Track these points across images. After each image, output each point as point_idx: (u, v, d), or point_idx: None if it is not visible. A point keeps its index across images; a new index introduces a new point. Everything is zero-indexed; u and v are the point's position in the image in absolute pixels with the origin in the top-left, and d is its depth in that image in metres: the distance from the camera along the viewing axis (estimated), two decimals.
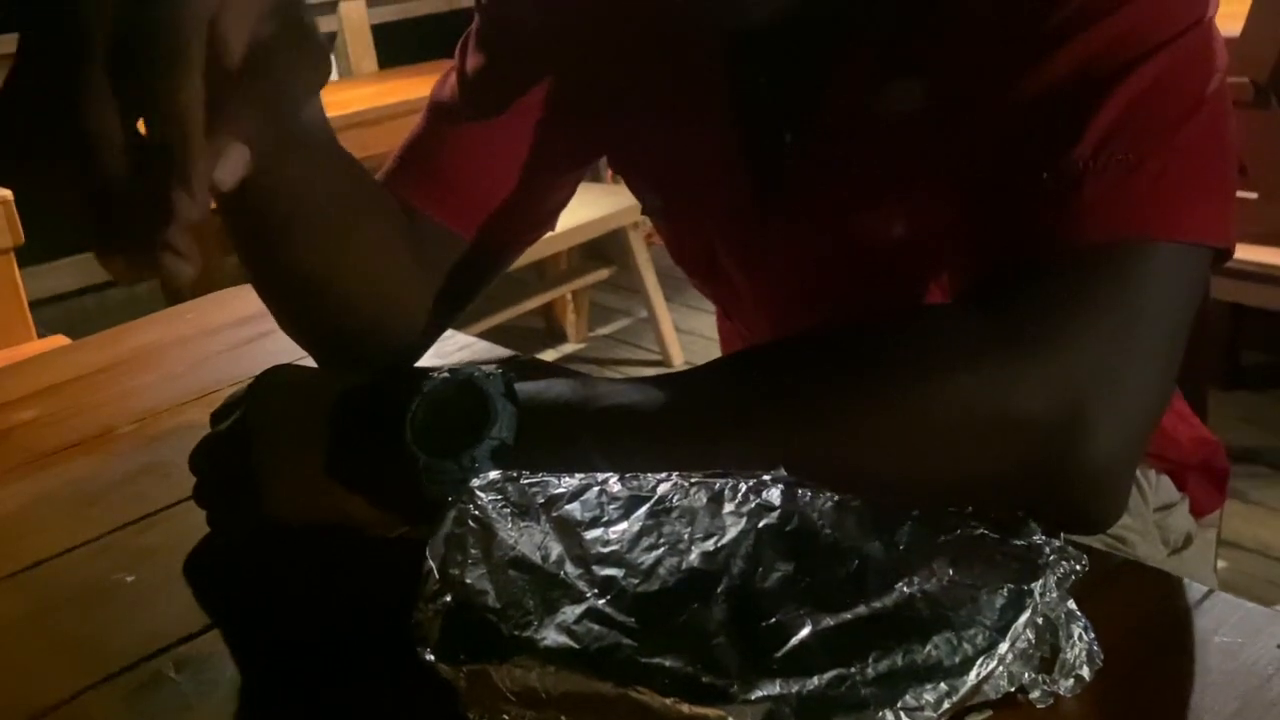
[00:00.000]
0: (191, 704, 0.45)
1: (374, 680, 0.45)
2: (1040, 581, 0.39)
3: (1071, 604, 0.40)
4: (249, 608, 0.52)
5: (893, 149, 0.60)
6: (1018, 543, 0.40)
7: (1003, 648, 0.37)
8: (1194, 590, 0.46)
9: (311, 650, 0.48)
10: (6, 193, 1.57)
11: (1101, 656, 0.40)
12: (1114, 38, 0.49)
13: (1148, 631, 0.44)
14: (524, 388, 0.51)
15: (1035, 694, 0.39)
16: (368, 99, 2.62)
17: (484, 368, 0.50)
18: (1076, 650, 0.40)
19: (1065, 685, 0.39)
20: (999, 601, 0.38)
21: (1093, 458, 0.46)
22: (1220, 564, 0.86)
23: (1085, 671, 0.40)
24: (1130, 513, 0.70)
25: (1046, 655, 0.39)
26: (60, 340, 1.57)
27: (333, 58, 3.11)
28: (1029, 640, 0.38)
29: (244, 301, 0.92)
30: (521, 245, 0.75)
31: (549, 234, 0.79)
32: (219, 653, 0.49)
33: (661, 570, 0.39)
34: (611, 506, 0.43)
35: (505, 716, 0.38)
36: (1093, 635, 0.40)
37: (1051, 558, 0.40)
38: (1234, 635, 0.43)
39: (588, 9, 0.69)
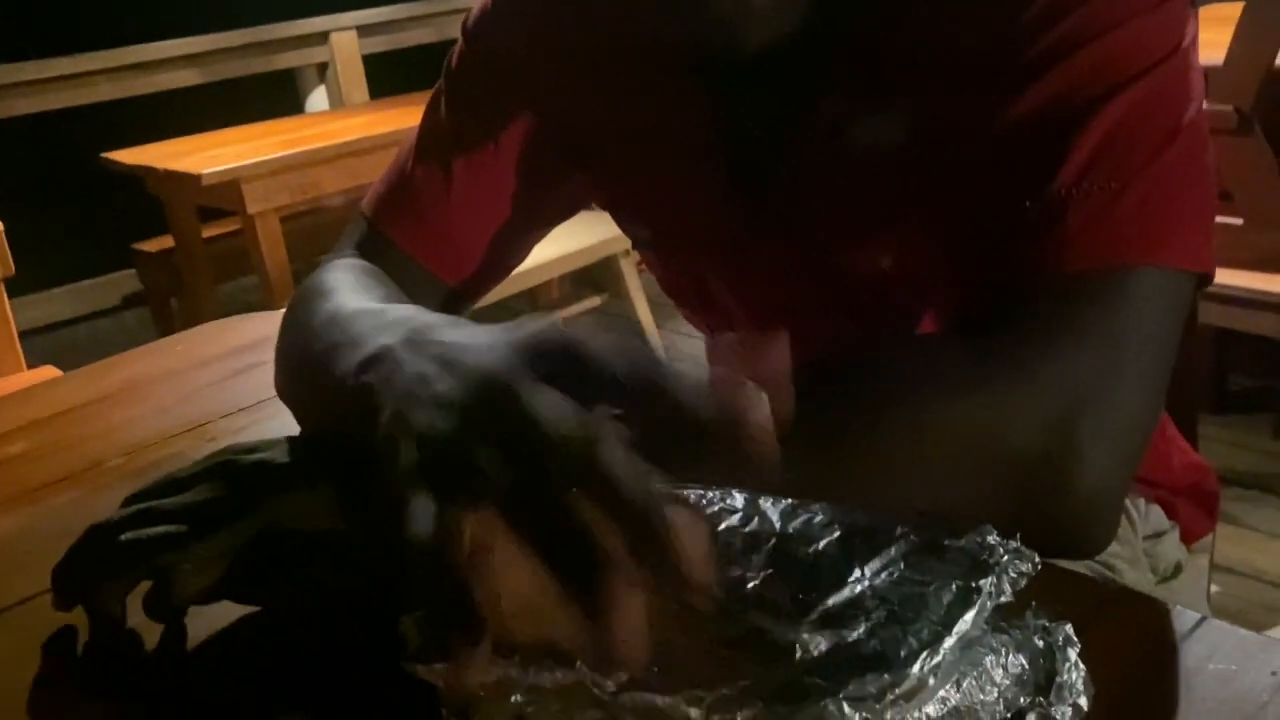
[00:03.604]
0: None
1: (367, 693, 0.45)
2: (990, 579, 0.39)
3: (1069, 629, 0.40)
4: (237, 635, 0.51)
5: (878, 179, 0.60)
6: (971, 541, 0.41)
7: (948, 642, 0.36)
8: (1187, 618, 0.46)
9: (308, 668, 0.47)
10: None
11: (1092, 686, 0.40)
12: (1091, 68, 0.50)
13: (1140, 659, 0.44)
14: None
15: (1032, 719, 0.39)
16: (359, 129, 2.63)
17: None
18: (1073, 677, 0.40)
19: (1063, 712, 0.39)
20: (947, 598, 0.38)
21: (1084, 482, 0.47)
22: (1213, 589, 0.86)
23: (1083, 700, 0.39)
24: (1119, 540, 0.70)
25: (1042, 681, 0.39)
26: (50, 371, 1.57)
27: (324, 88, 3.10)
28: (1023, 664, 0.38)
29: (234, 333, 0.92)
30: (494, 285, 0.76)
31: (541, 262, 0.80)
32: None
33: None
34: None
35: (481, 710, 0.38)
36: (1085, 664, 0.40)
37: (1004, 558, 0.40)
38: (1227, 662, 0.43)
39: (572, 43, 0.69)
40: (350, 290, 0.59)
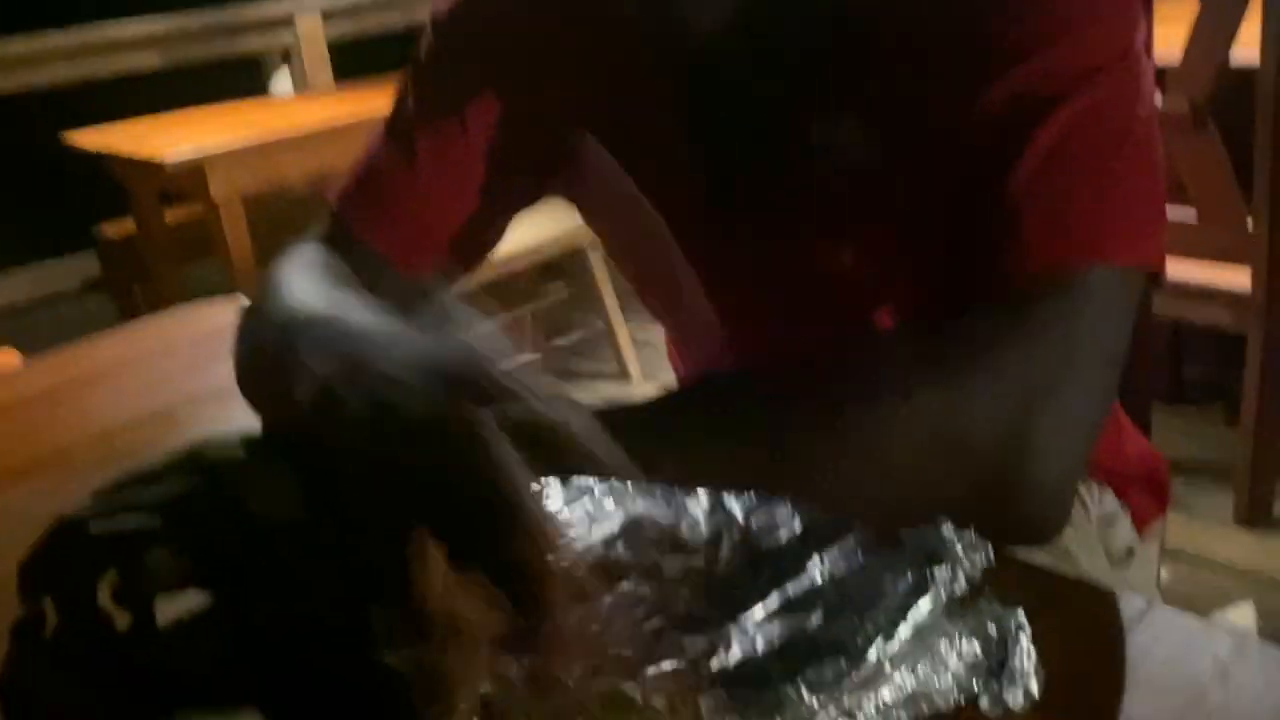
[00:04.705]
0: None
1: (336, 679, 0.45)
2: (944, 568, 0.40)
3: (1020, 615, 0.42)
4: (209, 621, 0.51)
5: (845, 181, 0.62)
6: (927, 533, 0.42)
7: (904, 630, 0.38)
8: (1134, 604, 0.48)
9: (278, 654, 0.48)
10: None
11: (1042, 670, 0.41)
12: (1044, 72, 0.51)
13: (1089, 645, 0.46)
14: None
15: (985, 702, 0.40)
16: (324, 114, 2.61)
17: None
18: (1024, 662, 0.41)
19: (1014, 695, 0.41)
20: (902, 587, 0.39)
21: (1037, 472, 0.48)
22: (1165, 575, 0.88)
23: (1034, 684, 0.41)
24: (1073, 525, 0.72)
25: (995, 666, 0.41)
26: (10, 353, 1.55)
27: (289, 72, 3.06)
28: (976, 650, 0.40)
29: (201, 319, 0.92)
30: (459, 278, 0.76)
31: (508, 254, 0.80)
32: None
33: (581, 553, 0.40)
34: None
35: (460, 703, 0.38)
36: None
37: (958, 549, 0.41)
38: (1173, 647, 0.45)
39: (543, 37, 0.70)
40: (306, 293, 0.59)
